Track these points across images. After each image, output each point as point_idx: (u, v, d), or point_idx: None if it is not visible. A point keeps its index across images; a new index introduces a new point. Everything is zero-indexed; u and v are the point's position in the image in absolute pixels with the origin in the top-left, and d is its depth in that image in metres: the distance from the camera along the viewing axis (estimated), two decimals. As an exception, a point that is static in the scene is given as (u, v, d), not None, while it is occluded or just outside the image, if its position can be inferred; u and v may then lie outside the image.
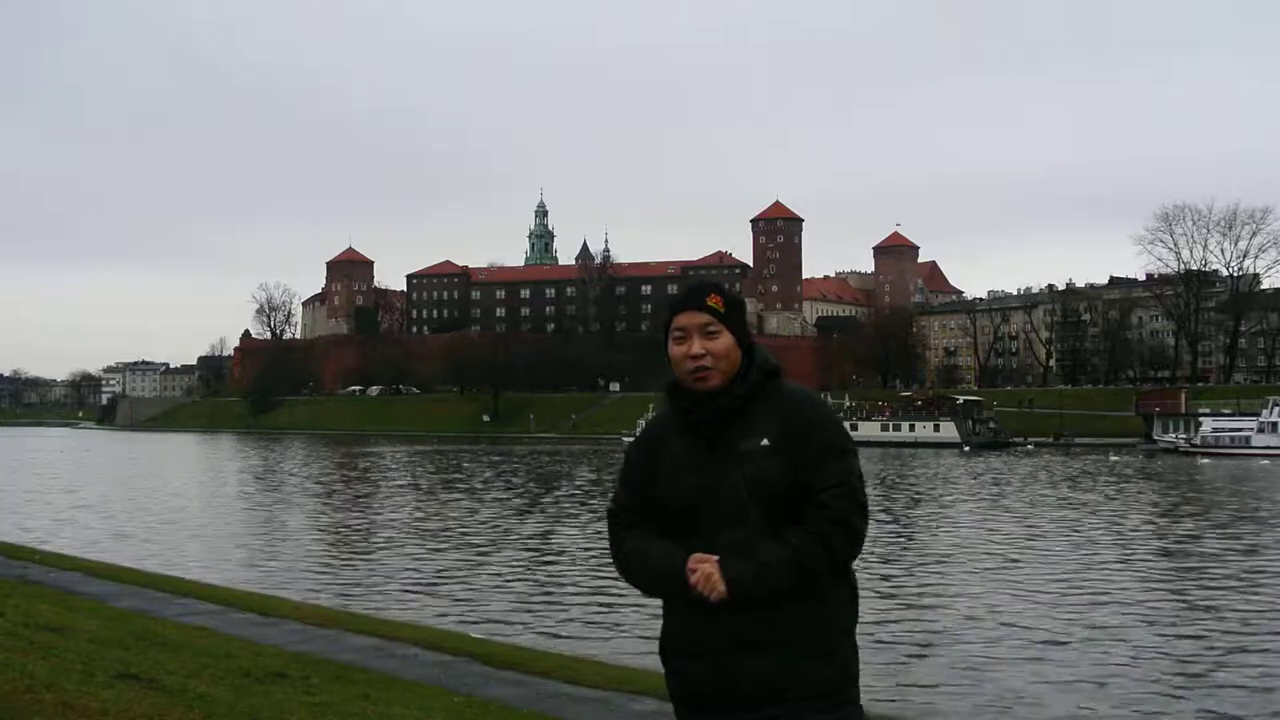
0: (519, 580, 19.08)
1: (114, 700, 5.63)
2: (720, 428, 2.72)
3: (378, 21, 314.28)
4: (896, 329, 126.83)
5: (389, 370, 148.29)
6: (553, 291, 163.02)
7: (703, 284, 2.85)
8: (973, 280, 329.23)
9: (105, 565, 15.81)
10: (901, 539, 24.97)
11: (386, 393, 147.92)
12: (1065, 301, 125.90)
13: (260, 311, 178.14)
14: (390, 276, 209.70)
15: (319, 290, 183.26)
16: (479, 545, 24.10)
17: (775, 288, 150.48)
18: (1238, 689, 11.54)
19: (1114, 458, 62.52)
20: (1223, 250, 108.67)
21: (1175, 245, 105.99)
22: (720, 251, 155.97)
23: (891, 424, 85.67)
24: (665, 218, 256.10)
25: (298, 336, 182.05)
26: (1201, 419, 72.01)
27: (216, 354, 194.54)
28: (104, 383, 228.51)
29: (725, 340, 2.77)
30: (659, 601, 2.81)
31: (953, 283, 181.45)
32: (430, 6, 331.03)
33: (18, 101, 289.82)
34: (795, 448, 2.65)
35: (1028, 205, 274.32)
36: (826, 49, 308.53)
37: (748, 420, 2.72)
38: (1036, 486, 42.40)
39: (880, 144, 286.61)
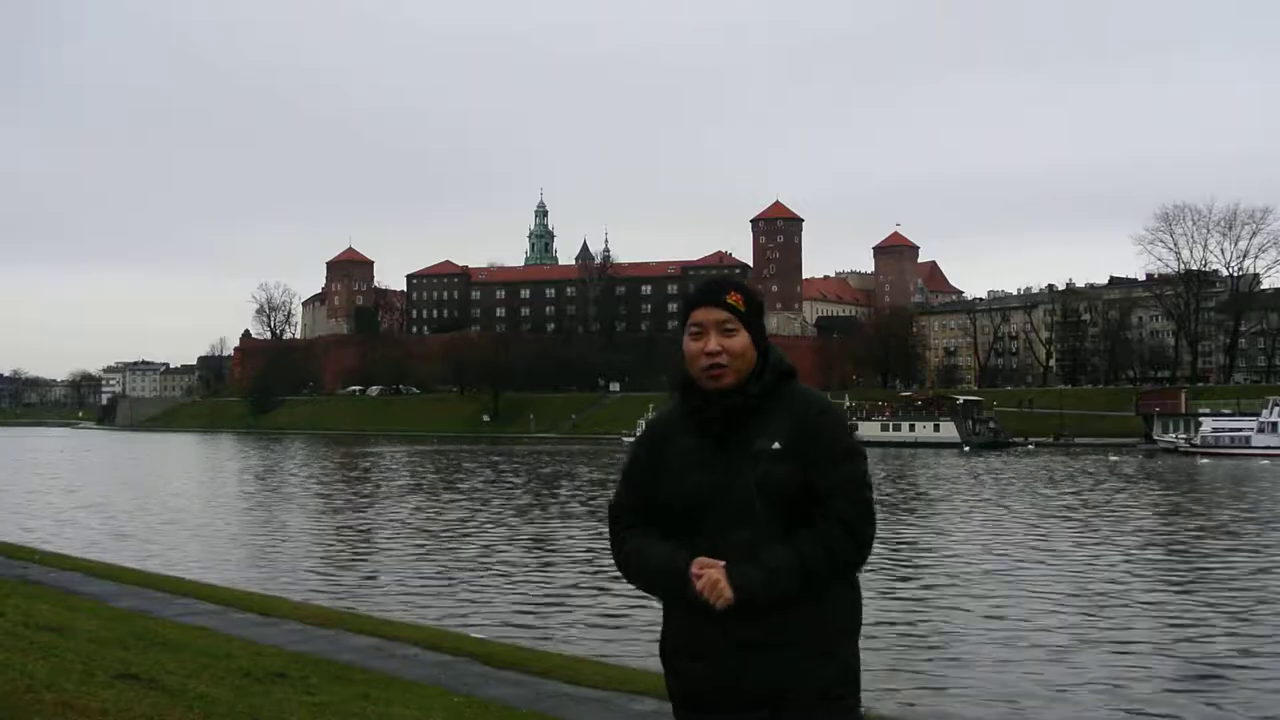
0: (519, 580, 19.07)
1: (114, 700, 5.62)
2: (732, 427, 2.69)
3: (378, 21, 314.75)
4: (896, 329, 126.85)
5: (389, 370, 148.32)
6: (553, 291, 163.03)
7: (724, 280, 2.81)
8: (973, 280, 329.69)
9: (105, 565, 15.80)
10: (902, 539, 24.96)
11: (386, 393, 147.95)
12: (1065, 301, 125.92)
13: (260, 311, 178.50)
14: (390, 276, 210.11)
15: (319, 290, 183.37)
16: (479, 545, 24.09)
17: (775, 288, 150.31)
18: (1247, 690, 11.52)
19: (1113, 458, 62.52)
20: (1223, 250, 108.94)
21: (1175, 245, 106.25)
22: (720, 251, 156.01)
23: (891, 424, 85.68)
24: (665, 218, 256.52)
25: (298, 336, 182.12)
26: (1201, 419, 72.04)
27: (216, 354, 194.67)
28: (104, 383, 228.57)
29: (742, 339, 2.73)
30: (659, 601, 2.79)
31: (953, 283, 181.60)
32: (430, 6, 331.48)
33: (18, 101, 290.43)
34: (804, 449, 2.64)
35: (1028, 205, 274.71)
36: (826, 49, 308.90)
37: (760, 421, 2.69)
38: (1037, 486, 42.40)
39: (880, 144, 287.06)
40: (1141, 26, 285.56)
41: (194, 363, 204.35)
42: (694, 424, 2.73)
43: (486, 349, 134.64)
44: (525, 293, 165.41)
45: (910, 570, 19.97)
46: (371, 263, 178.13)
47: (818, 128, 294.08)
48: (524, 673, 8.56)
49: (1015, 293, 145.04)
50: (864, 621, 2.75)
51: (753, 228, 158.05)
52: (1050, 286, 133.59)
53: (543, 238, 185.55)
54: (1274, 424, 65.72)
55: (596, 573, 18.90)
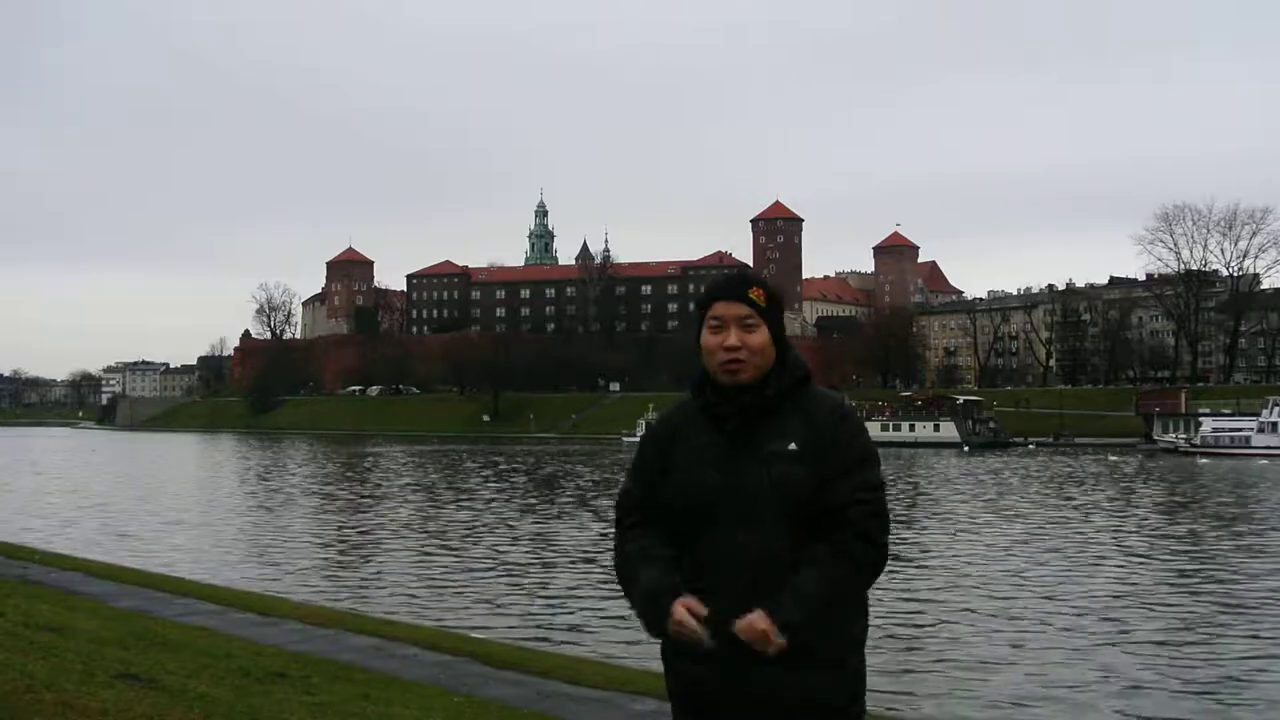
0: (519, 580, 19.07)
1: (114, 700, 5.62)
2: (747, 426, 2.65)
3: (378, 21, 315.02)
4: (896, 329, 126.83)
5: (389, 370, 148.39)
6: (553, 291, 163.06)
7: (744, 275, 2.77)
8: (973, 280, 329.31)
9: (105, 565, 15.79)
10: (903, 540, 24.94)
11: (386, 393, 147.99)
12: (1065, 301, 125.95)
13: (260, 311, 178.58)
14: (390, 276, 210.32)
15: (319, 290, 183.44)
16: (480, 545, 24.08)
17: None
18: (1253, 690, 11.50)
19: (1112, 458, 62.54)
20: (1223, 250, 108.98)
21: (1175, 245, 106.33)
22: (720, 251, 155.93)
23: (891, 424, 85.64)
24: (665, 218, 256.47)
25: (298, 336, 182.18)
26: (1201, 419, 72.04)
27: (216, 354, 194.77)
28: (104, 383, 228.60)
29: (762, 335, 2.68)
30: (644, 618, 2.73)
31: (953, 283, 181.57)
32: (430, 6, 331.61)
33: (18, 101, 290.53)
34: (821, 454, 2.60)
35: (1028, 205, 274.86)
36: (826, 49, 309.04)
37: (776, 422, 2.65)
38: (1038, 486, 42.40)
39: (880, 144, 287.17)
40: (1141, 26, 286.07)
41: (194, 363, 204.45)
42: (709, 419, 2.69)
43: (486, 349, 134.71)
44: (525, 293, 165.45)
45: (912, 571, 19.94)
46: (371, 263, 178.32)
47: (818, 128, 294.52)
48: (524, 673, 8.55)
49: (1015, 293, 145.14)
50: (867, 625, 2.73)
51: (753, 228, 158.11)
52: (1050, 286, 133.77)
53: (543, 238, 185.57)
54: (1274, 424, 65.71)
55: (597, 572, 18.89)
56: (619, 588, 2.78)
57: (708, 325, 2.71)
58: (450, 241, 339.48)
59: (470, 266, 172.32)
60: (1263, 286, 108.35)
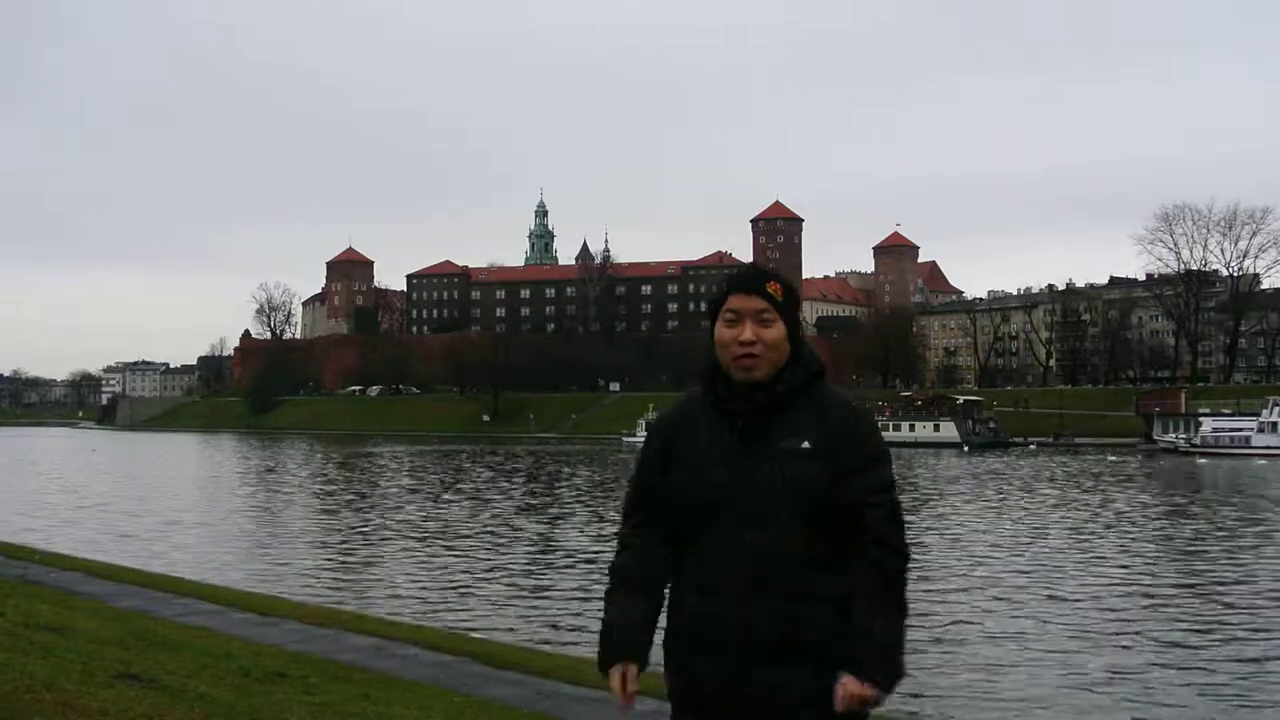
0: (519, 580, 19.08)
1: (114, 700, 5.62)
2: (759, 422, 2.62)
3: (378, 21, 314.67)
4: (896, 329, 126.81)
5: (389, 370, 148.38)
6: (553, 291, 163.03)
7: (761, 269, 2.76)
8: (973, 280, 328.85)
9: (105, 565, 15.79)
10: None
11: (386, 393, 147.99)
12: (1065, 301, 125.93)
13: (260, 311, 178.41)
14: (390, 276, 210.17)
15: (319, 290, 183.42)
16: (479, 545, 24.09)
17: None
18: (1261, 694, 11.48)
19: (1111, 458, 62.54)
20: (1223, 250, 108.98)
21: (1175, 245, 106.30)
22: (720, 251, 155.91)
23: (891, 424, 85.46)
24: (665, 218, 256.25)
25: (298, 336, 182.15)
26: (1201, 419, 72.06)
27: (216, 354, 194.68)
28: (104, 383, 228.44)
29: (778, 330, 2.65)
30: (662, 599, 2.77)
31: (953, 283, 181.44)
32: (430, 6, 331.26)
33: (18, 101, 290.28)
34: (834, 453, 2.57)
35: (1028, 205, 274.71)
36: (826, 49, 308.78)
37: (789, 417, 2.62)
38: (1038, 486, 42.39)
39: (880, 144, 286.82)
40: (1141, 26, 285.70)
41: (194, 363, 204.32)
42: (719, 414, 2.66)
43: (486, 349, 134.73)
44: (525, 293, 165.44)
45: (913, 571, 19.91)
46: (371, 263, 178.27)
47: (818, 128, 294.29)
48: (524, 673, 8.55)
49: (1015, 293, 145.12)
50: None
51: (753, 228, 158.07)
52: (1050, 286, 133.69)
53: (543, 238, 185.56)
54: (1274, 424, 65.73)
55: (597, 573, 18.89)
56: None
57: (723, 318, 2.68)
58: (450, 241, 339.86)
59: (470, 266, 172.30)
60: (1263, 286, 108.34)
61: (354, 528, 28.26)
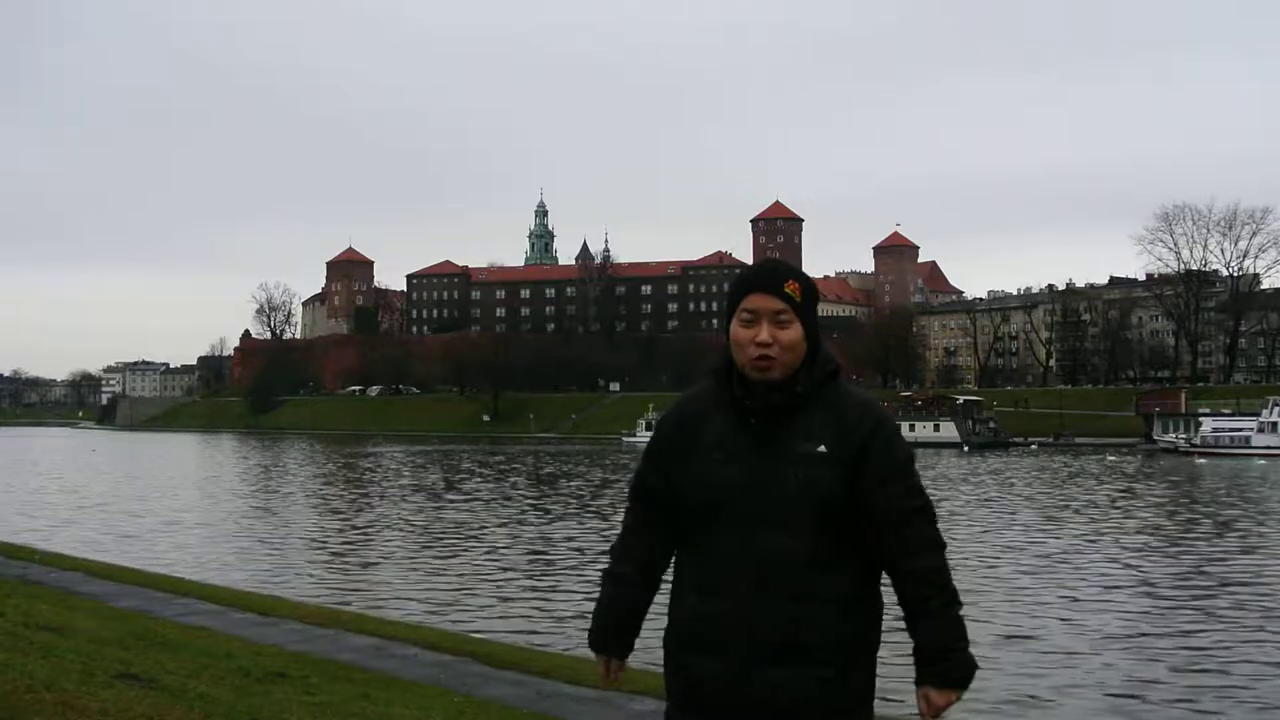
0: (520, 580, 19.07)
1: (114, 700, 5.62)
2: (774, 422, 2.57)
3: (378, 21, 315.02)
4: (896, 329, 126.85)
5: (389, 370, 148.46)
6: (553, 291, 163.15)
7: (781, 266, 2.65)
8: (973, 280, 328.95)
9: (105, 565, 15.78)
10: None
11: (386, 393, 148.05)
12: (1065, 301, 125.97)
13: (260, 311, 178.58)
14: (390, 276, 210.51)
15: (319, 290, 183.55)
16: (480, 545, 24.08)
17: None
18: (1260, 691, 11.49)
19: (1111, 458, 62.54)
20: (1223, 250, 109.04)
21: (1175, 245, 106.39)
22: (720, 251, 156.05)
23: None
24: (665, 218, 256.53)
25: (298, 336, 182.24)
26: (1201, 419, 72.08)
27: (216, 354, 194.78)
28: (104, 383, 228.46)
29: (795, 331, 2.57)
30: (661, 598, 2.75)
31: (953, 283, 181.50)
32: (430, 6, 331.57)
33: (18, 101, 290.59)
34: (850, 454, 2.53)
35: (1028, 205, 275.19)
36: (826, 49, 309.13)
37: (804, 419, 2.56)
38: (1039, 486, 42.39)
39: (880, 144, 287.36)
40: (1141, 26, 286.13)
41: (194, 363, 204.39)
42: (733, 413, 2.60)
43: (486, 349, 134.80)
44: (525, 293, 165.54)
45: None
46: (371, 263, 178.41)
47: (818, 128, 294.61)
48: (524, 673, 8.54)
49: (1015, 293, 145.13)
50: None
51: (753, 228, 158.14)
52: (1050, 286, 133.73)
53: (543, 238, 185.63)
54: (1274, 424, 65.72)
55: (597, 572, 18.86)
56: None
57: (739, 318, 2.60)
58: (450, 241, 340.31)
59: (470, 266, 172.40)
60: (1263, 286, 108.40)
61: (354, 527, 28.26)
